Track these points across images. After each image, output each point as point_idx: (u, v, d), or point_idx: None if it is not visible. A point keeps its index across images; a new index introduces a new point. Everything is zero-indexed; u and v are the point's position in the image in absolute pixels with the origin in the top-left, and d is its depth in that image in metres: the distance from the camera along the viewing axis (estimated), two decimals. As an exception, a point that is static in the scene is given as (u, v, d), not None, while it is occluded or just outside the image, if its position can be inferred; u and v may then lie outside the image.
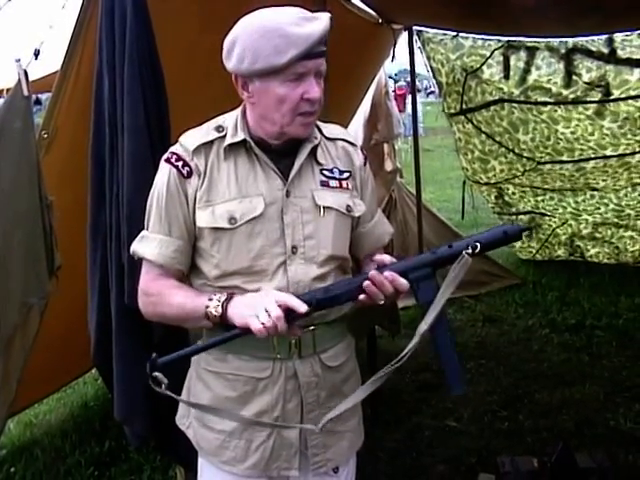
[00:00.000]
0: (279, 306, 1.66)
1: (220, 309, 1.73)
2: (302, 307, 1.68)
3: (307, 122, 1.79)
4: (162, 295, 1.85)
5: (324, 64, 1.76)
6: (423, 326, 1.70)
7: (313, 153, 1.89)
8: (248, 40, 1.70)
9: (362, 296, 1.73)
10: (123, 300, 2.64)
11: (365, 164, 2.01)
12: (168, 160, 1.85)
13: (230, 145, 1.83)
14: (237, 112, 1.89)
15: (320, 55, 1.72)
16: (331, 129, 1.98)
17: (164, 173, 1.85)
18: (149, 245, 1.86)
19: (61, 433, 4.34)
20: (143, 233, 1.90)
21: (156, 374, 1.76)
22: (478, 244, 1.68)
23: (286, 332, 1.68)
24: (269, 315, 1.64)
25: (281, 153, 1.85)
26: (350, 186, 1.94)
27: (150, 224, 1.88)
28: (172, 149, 1.87)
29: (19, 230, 2.50)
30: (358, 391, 1.81)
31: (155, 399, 2.75)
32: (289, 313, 1.67)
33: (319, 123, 1.94)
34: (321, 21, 1.70)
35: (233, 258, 1.82)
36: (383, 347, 4.72)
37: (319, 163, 1.91)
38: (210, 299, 1.76)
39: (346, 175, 1.94)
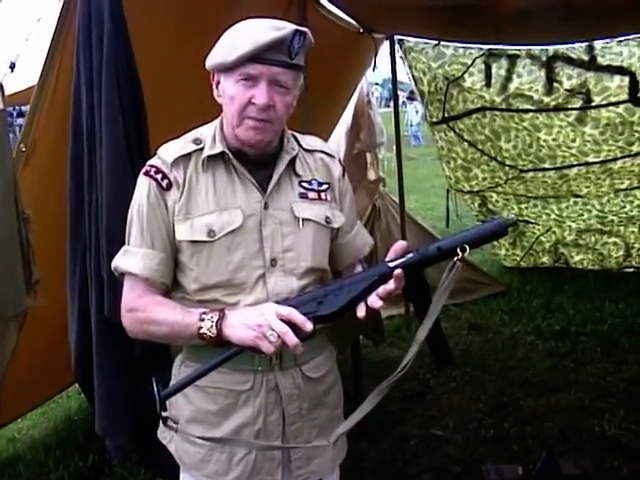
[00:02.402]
0: (282, 320, 1.64)
1: (215, 329, 1.69)
2: (308, 325, 1.65)
3: (256, 127, 1.75)
4: (149, 313, 1.81)
5: (284, 74, 1.73)
6: (421, 335, 1.69)
7: (292, 165, 1.89)
8: (219, 41, 1.76)
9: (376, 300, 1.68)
10: (103, 313, 2.62)
11: (344, 175, 2.00)
12: (147, 173, 1.83)
13: (208, 157, 1.82)
14: (215, 124, 1.88)
15: (277, 64, 1.70)
16: (309, 141, 1.98)
17: (143, 186, 1.83)
18: (133, 259, 1.83)
19: (45, 448, 4.28)
20: (125, 248, 1.87)
21: (166, 414, 1.73)
22: (467, 246, 1.65)
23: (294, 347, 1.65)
24: (278, 335, 1.62)
25: (259, 165, 1.84)
26: (329, 198, 1.93)
27: (132, 238, 1.86)
28: (150, 162, 1.85)
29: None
30: (365, 403, 1.74)
31: (136, 413, 2.75)
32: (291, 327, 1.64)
33: (297, 135, 1.94)
34: (280, 31, 1.68)
35: (212, 271, 1.81)
36: (367, 356, 4.72)
37: (298, 175, 1.90)
38: (202, 319, 1.71)
39: (325, 187, 1.93)
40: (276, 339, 1.62)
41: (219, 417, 1.90)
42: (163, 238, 1.82)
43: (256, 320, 1.66)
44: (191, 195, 1.80)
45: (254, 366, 1.85)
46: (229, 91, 1.75)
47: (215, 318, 1.70)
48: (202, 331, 1.70)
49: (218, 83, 1.80)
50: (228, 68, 1.72)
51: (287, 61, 1.71)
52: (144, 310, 1.82)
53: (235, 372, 1.86)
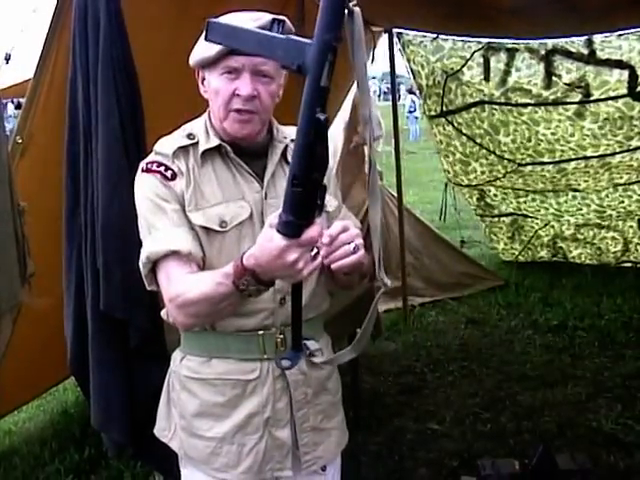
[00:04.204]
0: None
1: (257, 286, 1.60)
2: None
3: (242, 119, 1.77)
4: (187, 293, 1.70)
5: (266, 64, 1.73)
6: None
7: (283, 154, 1.90)
8: (201, 38, 1.74)
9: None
10: (99, 306, 2.61)
11: None
12: (148, 170, 1.80)
13: (205, 151, 1.82)
14: (204, 118, 1.88)
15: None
16: (291, 131, 1.98)
17: (147, 181, 1.80)
18: (171, 239, 1.75)
19: (40, 441, 4.28)
20: (155, 234, 1.78)
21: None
22: None
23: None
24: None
25: (253, 156, 1.85)
26: None
27: (156, 225, 1.77)
28: (148, 160, 1.83)
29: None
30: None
31: (132, 407, 2.75)
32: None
33: (280, 126, 1.94)
34: (257, 21, 1.68)
35: (224, 262, 1.79)
36: (365, 350, 4.68)
37: (289, 163, 1.90)
38: (242, 290, 1.60)
39: None
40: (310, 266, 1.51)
41: (227, 409, 1.88)
42: (186, 219, 1.78)
43: (278, 263, 1.49)
44: (197, 187, 1.80)
45: (260, 354, 1.85)
46: (214, 85, 1.76)
47: (253, 281, 1.58)
48: (246, 293, 1.62)
49: (203, 79, 1.82)
50: (211, 63, 1.74)
51: None
52: (182, 293, 1.71)
53: (242, 362, 1.86)
